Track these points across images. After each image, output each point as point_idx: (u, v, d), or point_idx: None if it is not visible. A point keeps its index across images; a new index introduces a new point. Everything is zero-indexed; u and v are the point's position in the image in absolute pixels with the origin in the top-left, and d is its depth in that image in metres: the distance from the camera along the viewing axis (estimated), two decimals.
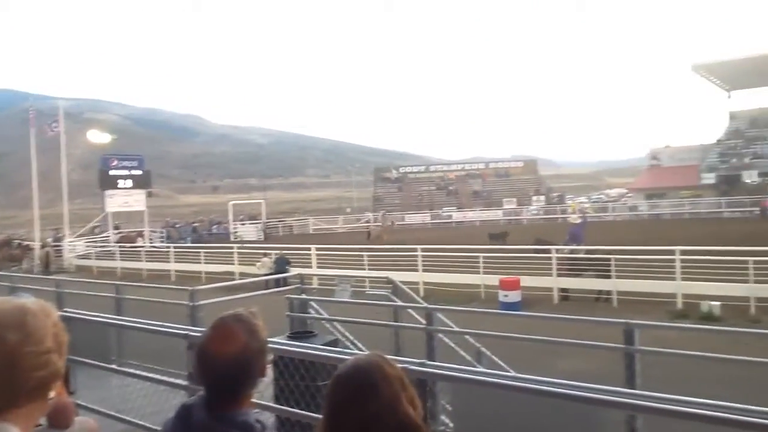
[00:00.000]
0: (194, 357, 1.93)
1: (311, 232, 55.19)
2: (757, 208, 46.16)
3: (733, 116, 63.41)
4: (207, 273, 25.22)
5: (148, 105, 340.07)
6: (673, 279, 15.21)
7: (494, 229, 38.74)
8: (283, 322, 7.92)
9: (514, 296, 15.84)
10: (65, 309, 6.74)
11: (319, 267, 22.45)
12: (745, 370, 6.90)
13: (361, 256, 21.39)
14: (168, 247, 31.93)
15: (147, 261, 29.90)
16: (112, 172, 42.09)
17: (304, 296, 9.36)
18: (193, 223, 58.22)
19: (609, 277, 16.17)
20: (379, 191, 75.14)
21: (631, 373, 5.44)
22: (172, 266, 27.74)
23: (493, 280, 16.87)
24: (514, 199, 63.83)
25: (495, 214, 58.51)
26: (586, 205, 55.89)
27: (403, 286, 10.53)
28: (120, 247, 35.06)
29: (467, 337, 7.98)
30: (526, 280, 16.53)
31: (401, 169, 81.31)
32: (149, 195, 45.12)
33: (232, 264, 25.37)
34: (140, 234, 42.17)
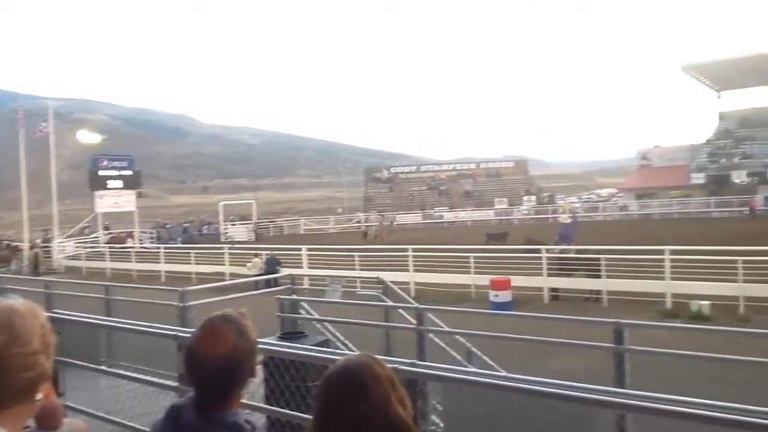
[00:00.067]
0: (183, 358, 1.92)
1: (302, 232, 55.18)
2: (746, 208, 46.58)
3: (722, 116, 63.82)
4: (197, 274, 25.13)
5: (138, 105, 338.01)
6: (663, 279, 15.29)
7: (491, 229, 38.86)
8: (274, 323, 7.91)
9: (504, 296, 15.88)
10: (55, 310, 6.71)
11: (310, 267, 22.43)
12: (735, 369, 6.93)
13: (352, 256, 21.41)
14: (158, 248, 31.84)
15: (137, 262, 29.79)
16: (101, 173, 41.91)
17: (294, 297, 9.34)
18: (184, 223, 58.12)
19: (599, 276, 16.23)
20: (370, 191, 75.24)
21: (620, 372, 5.46)
22: (163, 267, 27.63)
23: (484, 280, 16.91)
24: (505, 199, 64.10)
25: (486, 214, 58.72)
26: (577, 205, 56.13)
27: (394, 287, 10.52)
28: (110, 247, 34.91)
29: (458, 337, 7.98)
30: (517, 280, 16.58)
31: (392, 170, 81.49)
32: (139, 195, 44.96)
33: (223, 265, 25.32)
34: (130, 235, 42.00)
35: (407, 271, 19.54)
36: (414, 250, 20.08)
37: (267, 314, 7.70)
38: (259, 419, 4.55)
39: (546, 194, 70.74)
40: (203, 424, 1.82)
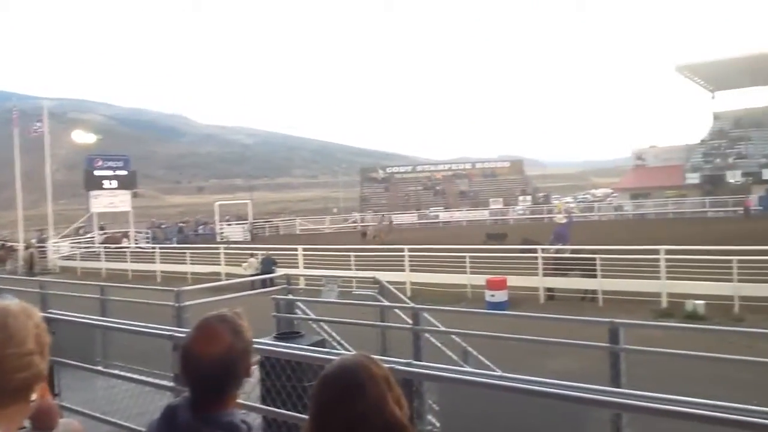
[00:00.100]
0: (179, 358, 1.92)
1: (298, 232, 55.13)
2: (741, 208, 46.68)
3: (717, 116, 63.98)
4: (193, 274, 25.11)
5: (133, 105, 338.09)
6: (658, 278, 15.33)
7: (488, 229, 38.87)
8: (270, 323, 7.90)
9: (500, 296, 15.91)
10: (50, 310, 6.69)
11: (305, 267, 22.40)
12: (730, 369, 6.95)
13: (348, 256, 21.39)
14: (153, 248, 31.77)
15: (132, 262, 29.71)
16: (97, 173, 41.85)
17: (290, 297, 9.34)
18: (179, 223, 57.99)
19: (594, 276, 16.26)
20: (366, 191, 75.20)
21: (616, 372, 5.46)
22: (158, 267, 27.57)
23: (480, 280, 16.93)
24: (501, 199, 64.14)
25: (482, 214, 58.75)
26: (572, 205, 56.17)
27: (390, 286, 10.51)
28: (105, 247, 34.84)
29: (454, 337, 7.99)
30: (513, 280, 16.61)
31: (388, 170, 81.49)
32: (134, 195, 44.94)
33: (219, 265, 25.31)
34: (125, 235, 41.95)
35: (403, 271, 19.54)
36: (410, 250, 20.09)
37: (263, 314, 7.70)
38: (255, 419, 4.55)
39: (541, 194, 70.85)
40: (199, 424, 1.81)
